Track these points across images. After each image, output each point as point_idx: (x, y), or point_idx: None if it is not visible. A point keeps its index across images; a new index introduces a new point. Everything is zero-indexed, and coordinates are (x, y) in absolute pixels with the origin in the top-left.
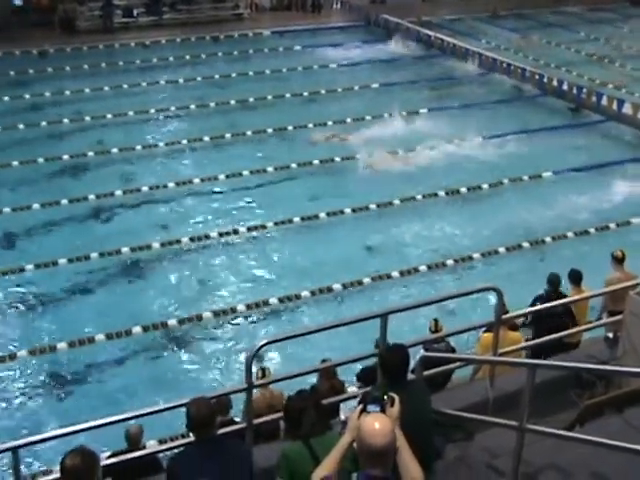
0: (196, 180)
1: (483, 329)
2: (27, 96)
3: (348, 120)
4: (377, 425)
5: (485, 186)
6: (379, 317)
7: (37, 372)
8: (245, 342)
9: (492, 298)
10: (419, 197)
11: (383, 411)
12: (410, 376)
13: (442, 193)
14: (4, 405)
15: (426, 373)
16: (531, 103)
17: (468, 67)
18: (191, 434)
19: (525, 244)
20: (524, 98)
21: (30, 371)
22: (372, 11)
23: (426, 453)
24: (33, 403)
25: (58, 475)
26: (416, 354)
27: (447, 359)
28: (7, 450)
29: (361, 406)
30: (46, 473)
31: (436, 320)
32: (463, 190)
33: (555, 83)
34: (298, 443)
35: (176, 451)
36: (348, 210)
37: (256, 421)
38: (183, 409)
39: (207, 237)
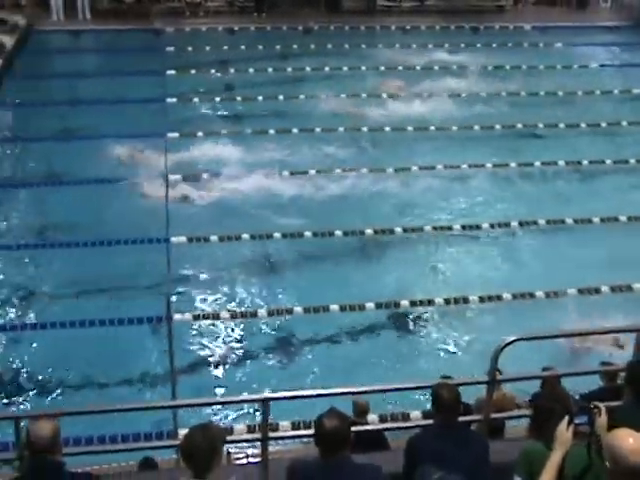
0: (439, 166)
1: None
2: (289, 69)
3: (603, 124)
4: (632, 440)
5: None
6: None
7: (273, 331)
8: (474, 334)
9: None
10: None
11: (592, 422)
12: None
13: None
14: (243, 358)
15: None
16: None
17: None
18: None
19: None
20: None
21: (267, 330)
22: None
23: None
24: (267, 360)
25: (294, 432)
26: None
27: None
28: (259, 400)
29: (568, 418)
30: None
31: None
32: None
33: None
34: (540, 444)
35: (417, 431)
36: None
37: (493, 415)
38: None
39: (449, 228)
